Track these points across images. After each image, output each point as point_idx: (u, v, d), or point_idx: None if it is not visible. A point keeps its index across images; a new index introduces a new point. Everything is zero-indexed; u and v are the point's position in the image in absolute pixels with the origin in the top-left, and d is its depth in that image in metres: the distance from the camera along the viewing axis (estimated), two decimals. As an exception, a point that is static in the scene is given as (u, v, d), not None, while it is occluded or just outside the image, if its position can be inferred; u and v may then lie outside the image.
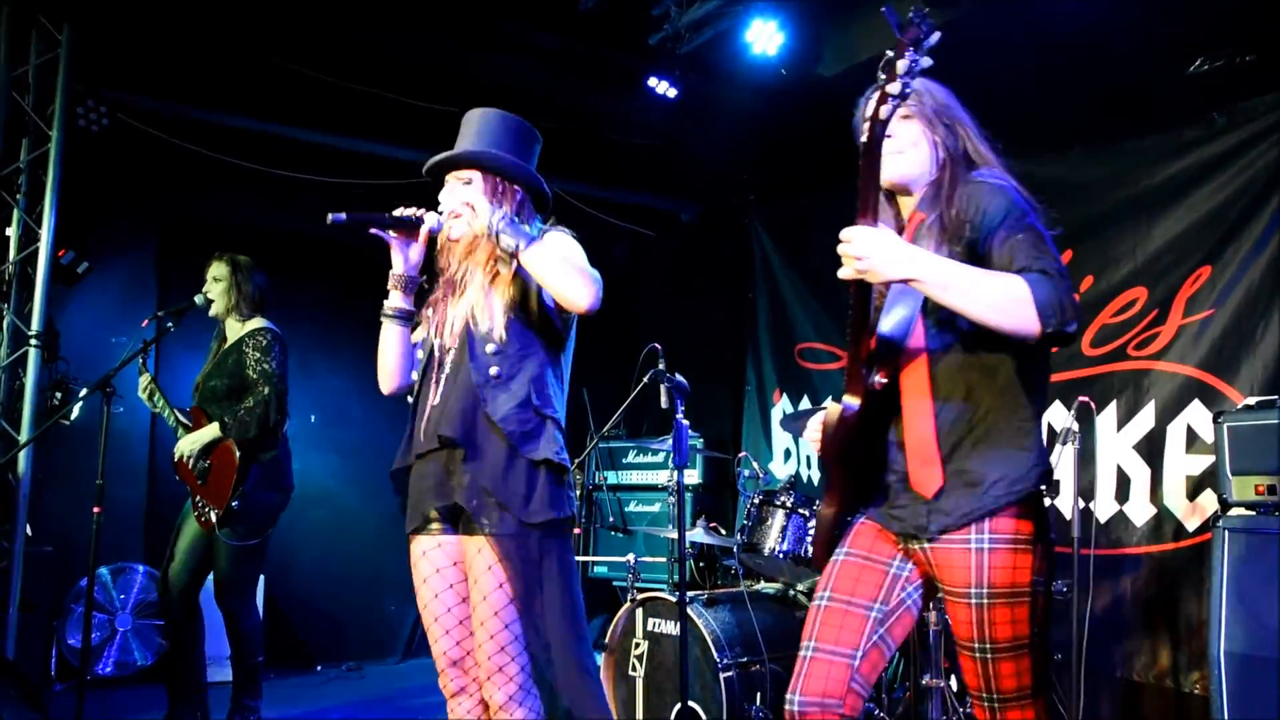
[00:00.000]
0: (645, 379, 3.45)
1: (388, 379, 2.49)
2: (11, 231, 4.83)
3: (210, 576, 3.97)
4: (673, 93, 5.36)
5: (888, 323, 1.91)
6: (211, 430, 3.87)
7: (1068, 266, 4.88)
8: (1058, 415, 4.66)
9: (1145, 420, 4.33)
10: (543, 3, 4.73)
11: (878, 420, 1.90)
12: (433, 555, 2.42)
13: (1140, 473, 4.33)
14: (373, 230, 2.36)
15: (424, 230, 2.38)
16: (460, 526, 2.39)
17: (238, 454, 3.80)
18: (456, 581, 2.41)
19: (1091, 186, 4.63)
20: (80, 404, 4.23)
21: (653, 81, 5.32)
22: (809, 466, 5.99)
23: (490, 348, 2.34)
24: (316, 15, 4.85)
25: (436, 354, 2.44)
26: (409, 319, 2.46)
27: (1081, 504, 3.93)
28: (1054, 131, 4.79)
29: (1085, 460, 4.24)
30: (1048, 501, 4.55)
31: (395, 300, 2.45)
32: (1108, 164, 4.58)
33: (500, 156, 2.43)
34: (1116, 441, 4.42)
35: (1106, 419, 4.45)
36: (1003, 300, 1.70)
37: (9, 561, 4.65)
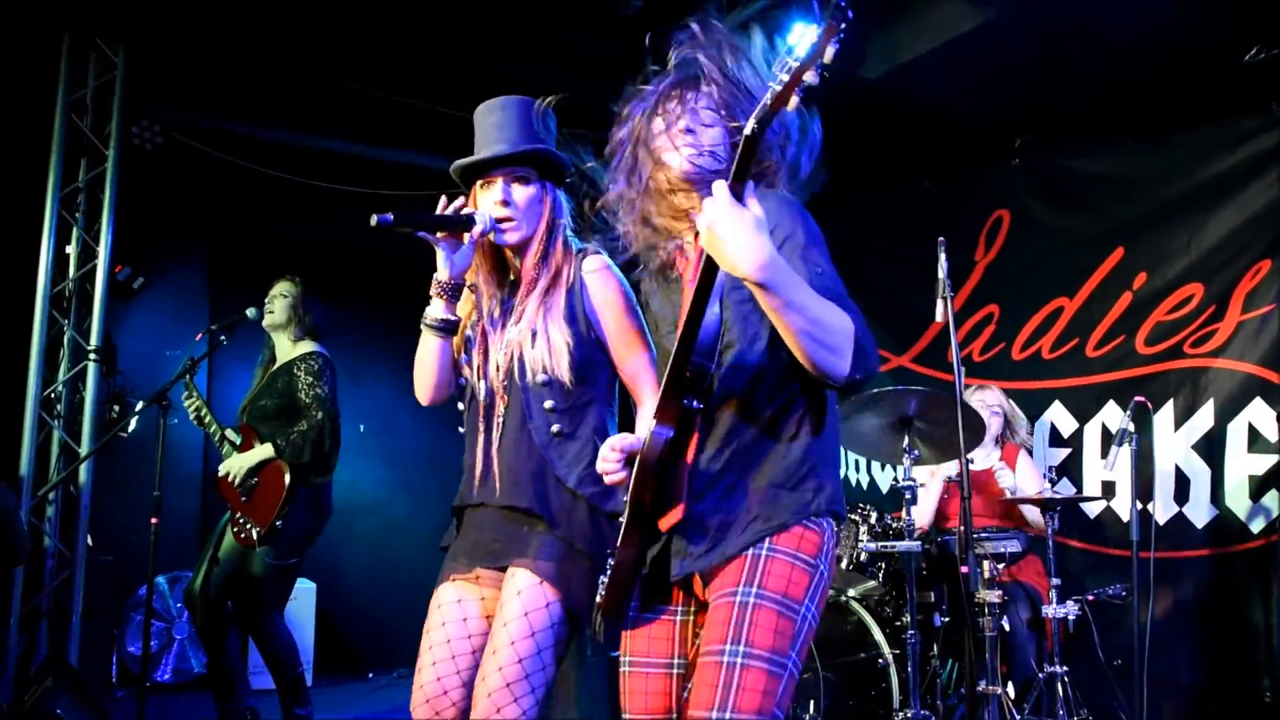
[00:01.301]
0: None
1: (425, 392, 2.29)
2: (71, 249, 4.96)
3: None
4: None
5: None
6: (264, 450, 3.92)
7: (1119, 264, 4.83)
8: (1112, 415, 4.57)
9: (1204, 419, 4.22)
10: (585, 11, 4.75)
11: (677, 446, 1.67)
12: (463, 586, 2.22)
13: (1200, 473, 4.22)
14: (420, 234, 2.13)
15: (476, 231, 2.14)
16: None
17: (288, 475, 3.85)
18: (473, 616, 2.20)
19: (1142, 181, 4.55)
20: (137, 416, 4.32)
21: (694, 86, 5.31)
22: (856, 470, 5.93)
23: (549, 403, 2.16)
24: (361, 29, 4.91)
25: (483, 397, 2.24)
26: (452, 330, 2.23)
27: (1139, 506, 3.84)
28: (1102, 126, 4.71)
29: (1142, 461, 4.14)
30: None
31: (437, 310, 2.20)
32: (1159, 158, 4.49)
33: (556, 155, 2.23)
34: (1174, 441, 4.31)
35: (1163, 418, 4.35)
36: (831, 335, 1.52)
37: (71, 571, 4.76)
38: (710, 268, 1.54)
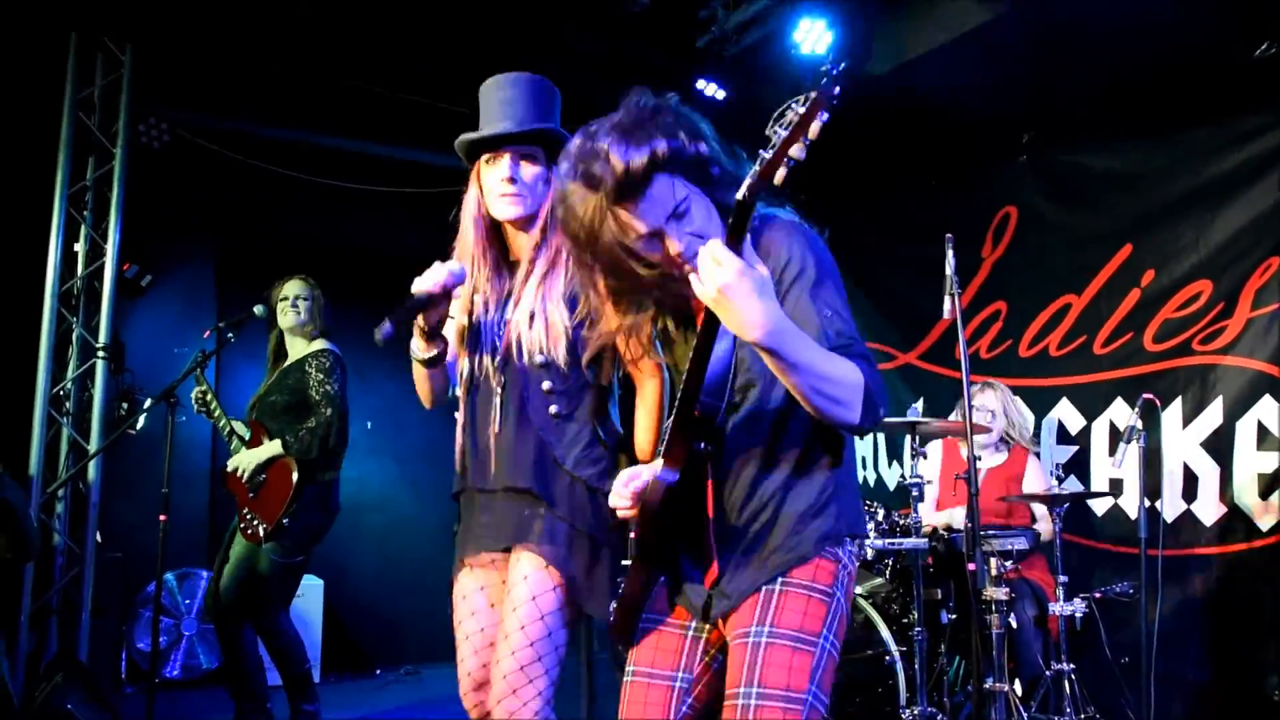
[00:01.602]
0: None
1: (426, 400, 2.35)
2: (79, 248, 4.98)
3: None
4: (721, 95, 5.34)
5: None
6: (272, 447, 3.93)
7: (1126, 261, 4.81)
8: (1120, 413, 4.56)
9: (1213, 416, 4.21)
10: (590, 8, 4.75)
11: (687, 489, 1.66)
12: (481, 574, 2.26)
13: (1209, 471, 4.21)
14: (418, 324, 2.13)
15: (454, 289, 2.13)
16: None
17: (295, 472, 3.85)
18: (499, 601, 2.23)
19: (1149, 178, 4.53)
20: (145, 414, 4.34)
21: (701, 84, 5.31)
22: (864, 467, 5.93)
23: (546, 385, 2.16)
24: (365, 28, 4.92)
25: (480, 380, 2.24)
26: (438, 363, 2.24)
27: (1147, 503, 3.83)
28: (1109, 122, 4.70)
29: (1150, 459, 4.14)
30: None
31: (420, 351, 2.21)
32: (1166, 154, 4.47)
33: (563, 135, 2.19)
34: (1183, 439, 4.30)
35: (1171, 416, 4.34)
36: (839, 389, 1.53)
37: (81, 568, 4.78)
38: (714, 319, 1.52)
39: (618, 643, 1.81)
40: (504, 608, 2.14)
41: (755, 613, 1.64)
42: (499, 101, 2.21)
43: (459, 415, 2.31)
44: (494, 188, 2.19)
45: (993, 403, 4.35)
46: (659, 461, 1.65)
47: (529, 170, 2.20)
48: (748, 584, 1.67)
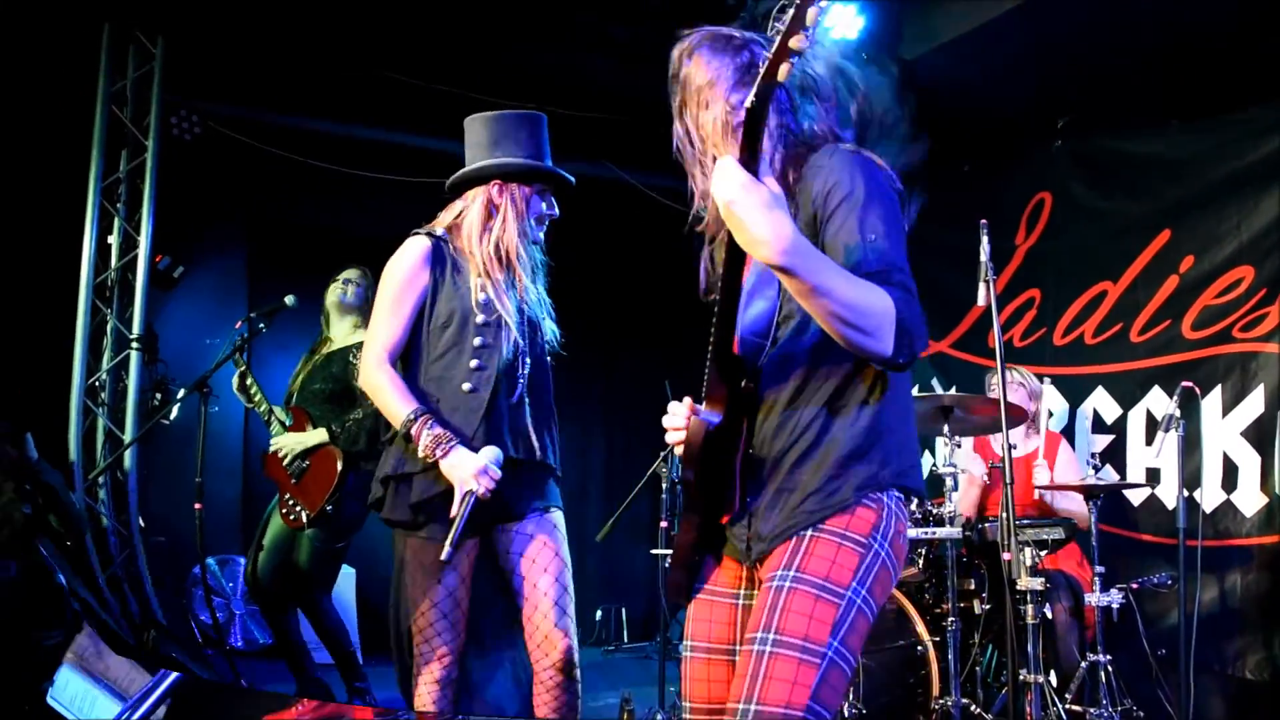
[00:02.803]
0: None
1: None
2: (113, 240, 5.03)
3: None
4: (749, 81, 5.29)
5: (749, 315, 1.61)
6: (319, 435, 3.94)
7: (1165, 247, 4.71)
8: (1158, 401, 4.48)
9: (1254, 405, 4.13)
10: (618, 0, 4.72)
11: (731, 431, 1.61)
12: (460, 554, 2.56)
13: (1249, 460, 4.13)
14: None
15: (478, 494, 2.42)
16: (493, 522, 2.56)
17: (340, 461, 3.87)
18: (466, 576, 2.60)
19: (1191, 162, 4.44)
20: (178, 404, 4.38)
21: (729, 70, 5.26)
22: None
23: (550, 370, 2.65)
24: (395, 17, 4.92)
25: (506, 348, 2.50)
26: None
27: (1186, 493, 3.76)
28: (1150, 106, 4.61)
29: (1189, 448, 4.07)
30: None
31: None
32: (1209, 138, 4.38)
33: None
34: (1222, 428, 4.22)
35: (1211, 404, 4.26)
36: (864, 317, 1.43)
37: (132, 549, 4.85)
38: (735, 245, 1.46)
39: (674, 600, 1.78)
40: (531, 570, 2.51)
41: (784, 558, 1.57)
42: (542, 141, 2.62)
43: (468, 385, 2.48)
44: (542, 215, 2.60)
45: (1024, 379, 4.28)
46: (698, 407, 1.62)
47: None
48: (781, 527, 1.60)
